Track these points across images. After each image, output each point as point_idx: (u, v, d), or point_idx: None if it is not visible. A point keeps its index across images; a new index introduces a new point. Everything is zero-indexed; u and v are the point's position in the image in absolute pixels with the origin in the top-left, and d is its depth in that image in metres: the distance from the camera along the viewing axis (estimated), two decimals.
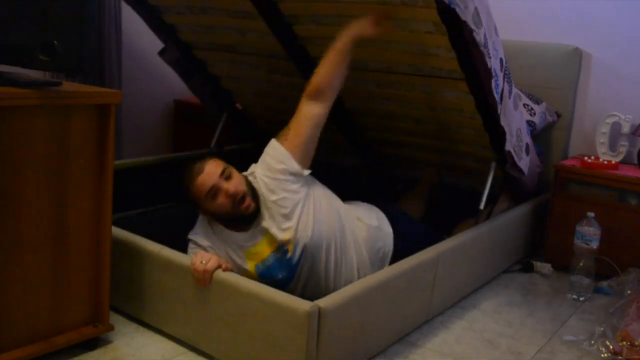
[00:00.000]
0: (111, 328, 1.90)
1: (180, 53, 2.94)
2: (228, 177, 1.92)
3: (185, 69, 3.06)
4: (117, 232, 2.03)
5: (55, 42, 1.58)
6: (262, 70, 2.82)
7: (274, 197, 1.94)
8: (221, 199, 1.90)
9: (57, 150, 1.68)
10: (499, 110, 2.22)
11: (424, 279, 2.10)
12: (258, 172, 2.01)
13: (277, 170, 1.97)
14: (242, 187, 1.92)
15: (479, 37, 1.94)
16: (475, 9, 1.91)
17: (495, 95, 2.16)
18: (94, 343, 1.88)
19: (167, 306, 1.95)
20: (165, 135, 3.91)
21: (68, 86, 1.76)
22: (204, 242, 1.98)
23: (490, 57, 2.04)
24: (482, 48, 1.97)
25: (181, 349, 1.92)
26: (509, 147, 2.40)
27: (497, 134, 2.34)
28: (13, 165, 1.60)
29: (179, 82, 3.57)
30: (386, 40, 2.22)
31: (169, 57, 3.02)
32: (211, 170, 1.91)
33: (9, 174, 1.60)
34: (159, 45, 3.00)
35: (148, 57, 3.54)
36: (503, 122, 2.29)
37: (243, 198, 1.90)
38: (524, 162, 2.59)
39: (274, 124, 3.29)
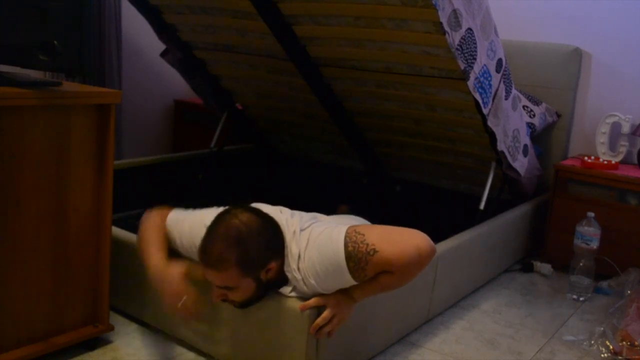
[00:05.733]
0: (111, 328, 1.90)
1: (181, 54, 2.94)
2: (230, 289, 1.63)
3: (188, 69, 3.06)
4: (117, 232, 2.02)
5: (55, 42, 1.58)
6: (262, 70, 2.82)
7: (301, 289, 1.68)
8: (214, 291, 1.67)
9: (57, 150, 1.68)
10: (485, 111, 2.23)
11: (424, 279, 2.10)
12: (307, 271, 1.62)
13: (331, 285, 1.65)
14: (245, 297, 1.65)
15: (450, 39, 1.97)
16: (454, 10, 1.94)
17: (478, 95, 2.17)
18: (94, 343, 1.88)
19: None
20: (165, 135, 3.91)
21: (68, 86, 1.76)
22: (181, 244, 1.80)
23: (466, 59, 2.06)
24: (452, 49, 2.01)
25: (181, 349, 1.92)
26: (501, 147, 2.41)
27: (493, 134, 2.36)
28: (13, 165, 1.60)
29: (179, 82, 3.58)
30: (386, 40, 2.22)
31: (170, 58, 3.03)
32: (214, 276, 1.62)
33: (9, 174, 1.60)
34: (159, 45, 3.00)
35: (148, 57, 3.55)
36: (491, 122, 2.30)
37: (242, 306, 1.69)
38: (520, 163, 2.60)
39: (274, 124, 3.31)
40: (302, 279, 1.62)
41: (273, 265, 1.62)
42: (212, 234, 1.59)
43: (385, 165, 3.11)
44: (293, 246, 1.64)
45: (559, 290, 2.60)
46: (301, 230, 1.66)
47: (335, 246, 1.57)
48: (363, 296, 1.67)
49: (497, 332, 2.19)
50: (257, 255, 1.59)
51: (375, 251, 1.54)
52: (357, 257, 1.55)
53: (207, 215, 1.71)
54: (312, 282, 1.61)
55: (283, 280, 1.67)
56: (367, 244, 1.55)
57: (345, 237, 1.57)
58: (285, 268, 1.64)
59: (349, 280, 1.59)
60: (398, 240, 1.57)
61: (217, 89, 3.16)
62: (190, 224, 1.78)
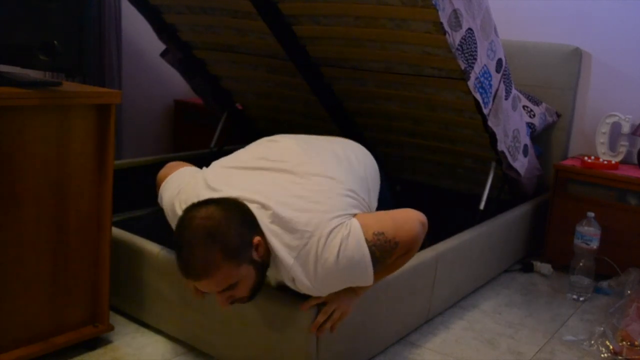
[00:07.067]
0: (111, 328, 1.90)
1: (181, 54, 2.94)
2: (232, 287, 1.50)
3: (188, 69, 3.06)
4: (117, 232, 2.03)
5: (55, 42, 1.58)
6: (262, 70, 2.82)
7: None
8: (218, 299, 1.53)
9: (57, 150, 1.68)
10: (485, 111, 2.24)
11: (424, 279, 2.10)
12: (302, 277, 1.51)
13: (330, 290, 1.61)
14: (251, 286, 1.52)
15: (450, 39, 1.98)
16: (454, 11, 1.94)
17: (479, 95, 2.17)
18: (94, 343, 1.88)
19: (167, 306, 1.95)
20: (165, 135, 3.91)
21: (68, 86, 1.76)
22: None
23: (466, 59, 2.06)
24: (453, 50, 2.00)
25: (181, 349, 1.92)
26: (501, 147, 2.42)
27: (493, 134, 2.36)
28: (13, 165, 1.60)
29: (179, 82, 3.58)
30: (386, 40, 2.22)
31: (170, 58, 3.03)
32: (208, 286, 1.48)
33: (9, 174, 1.60)
34: (159, 45, 3.00)
35: (148, 57, 3.55)
36: (491, 122, 2.30)
37: (250, 297, 1.57)
38: (520, 163, 2.60)
39: (274, 124, 3.31)
40: (293, 280, 1.53)
41: (258, 239, 1.48)
42: (182, 245, 1.45)
43: (385, 165, 3.11)
44: (275, 242, 1.49)
45: (559, 290, 2.60)
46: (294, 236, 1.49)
47: (363, 264, 1.50)
48: (365, 288, 1.67)
49: (497, 332, 2.19)
50: (238, 238, 1.46)
51: (397, 244, 1.55)
52: (383, 258, 1.54)
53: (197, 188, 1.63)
54: (308, 284, 1.52)
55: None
56: (389, 241, 1.54)
57: (370, 246, 1.50)
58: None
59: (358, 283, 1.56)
60: (407, 223, 1.59)
61: (217, 89, 3.16)
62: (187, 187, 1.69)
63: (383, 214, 1.64)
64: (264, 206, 1.50)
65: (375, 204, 1.80)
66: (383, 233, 1.53)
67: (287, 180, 1.58)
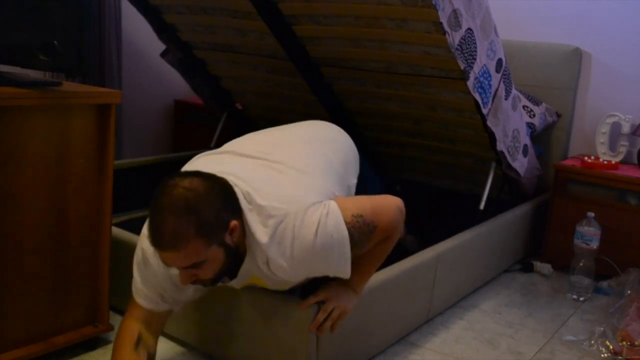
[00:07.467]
0: (111, 328, 1.90)
1: (181, 54, 2.94)
2: (198, 266, 1.41)
3: (188, 69, 3.06)
4: (117, 232, 2.02)
5: (55, 42, 1.58)
6: (262, 70, 2.82)
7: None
8: (180, 275, 1.45)
9: (57, 150, 1.68)
10: (484, 111, 2.24)
11: (424, 279, 2.10)
12: (277, 258, 1.46)
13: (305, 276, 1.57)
14: (216, 270, 1.44)
15: (450, 39, 1.98)
16: (454, 11, 1.94)
17: (478, 95, 2.17)
18: (94, 343, 1.88)
19: None
20: (165, 135, 3.91)
21: (68, 86, 1.76)
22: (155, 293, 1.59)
23: (466, 59, 2.07)
24: (452, 50, 2.01)
25: (181, 349, 1.92)
26: (501, 147, 2.42)
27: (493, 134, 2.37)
28: (13, 165, 1.60)
29: (179, 82, 3.58)
30: (386, 40, 2.22)
31: (170, 58, 3.03)
32: (175, 259, 1.39)
33: (9, 174, 1.60)
34: (159, 45, 3.00)
35: (148, 57, 3.55)
36: (490, 122, 2.30)
37: (214, 281, 1.48)
38: (519, 163, 2.60)
39: (274, 123, 3.30)
40: (269, 268, 1.48)
41: (235, 223, 1.41)
42: (157, 211, 1.36)
43: (385, 165, 3.11)
44: (258, 228, 1.44)
45: (559, 290, 2.60)
46: (270, 215, 1.44)
47: (341, 245, 1.47)
48: (362, 283, 1.67)
49: (497, 332, 2.19)
50: (215, 217, 1.38)
51: (375, 227, 1.55)
52: (361, 241, 1.53)
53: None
54: (284, 265, 1.46)
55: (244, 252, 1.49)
56: (368, 224, 1.53)
57: (349, 228, 1.48)
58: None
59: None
60: (386, 208, 1.60)
61: (217, 89, 3.16)
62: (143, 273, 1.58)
63: (361, 198, 1.64)
64: (243, 180, 1.46)
65: (354, 181, 1.79)
66: (361, 215, 1.52)
67: (265, 166, 1.56)
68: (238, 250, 1.46)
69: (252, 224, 1.44)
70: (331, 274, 1.55)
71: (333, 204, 1.50)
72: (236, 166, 1.55)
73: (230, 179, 1.47)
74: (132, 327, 1.60)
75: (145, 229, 1.52)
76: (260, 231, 1.44)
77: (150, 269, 1.56)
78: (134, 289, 1.61)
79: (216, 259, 1.41)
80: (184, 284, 1.44)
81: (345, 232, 1.48)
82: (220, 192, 1.42)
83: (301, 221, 1.43)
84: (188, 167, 1.63)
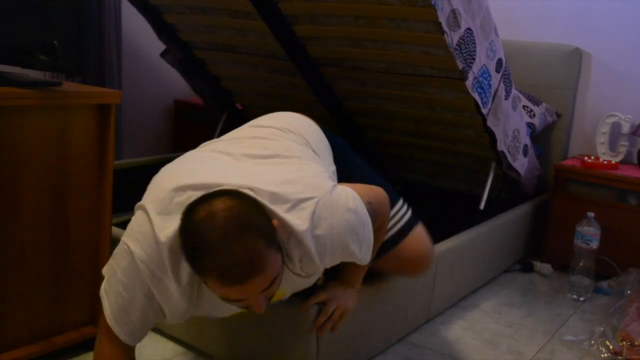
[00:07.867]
0: None
1: (181, 54, 2.94)
2: (274, 281, 1.27)
3: (188, 69, 3.06)
4: (117, 232, 2.02)
5: (55, 42, 1.58)
6: (262, 70, 2.82)
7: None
8: (239, 304, 1.30)
9: (57, 150, 1.68)
10: (484, 111, 2.24)
11: (424, 279, 2.10)
12: (314, 255, 1.36)
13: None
14: (277, 287, 1.31)
15: (449, 39, 1.98)
16: (453, 11, 1.95)
17: (477, 95, 2.17)
18: (94, 343, 1.88)
19: None
20: (165, 135, 3.91)
21: (68, 86, 1.76)
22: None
23: (465, 59, 2.07)
24: (451, 49, 2.01)
25: (181, 349, 1.92)
26: (501, 147, 2.42)
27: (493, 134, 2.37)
28: (13, 165, 1.60)
29: (179, 82, 3.58)
30: (386, 40, 2.22)
31: (170, 58, 3.03)
32: (257, 284, 1.22)
33: (9, 174, 1.60)
34: (159, 45, 3.00)
35: (148, 57, 3.55)
36: (490, 122, 2.31)
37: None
38: (520, 163, 2.60)
39: None
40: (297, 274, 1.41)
41: (275, 221, 1.29)
42: (213, 251, 1.18)
43: (385, 165, 3.11)
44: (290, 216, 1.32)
45: (559, 290, 2.61)
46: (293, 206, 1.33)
47: (368, 224, 1.46)
48: (359, 277, 1.66)
49: (497, 332, 2.19)
50: (267, 222, 1.26)
51: (377, 214, 1.54)
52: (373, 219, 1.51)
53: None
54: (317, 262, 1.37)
55: None
56: (374, 210, 1.52)
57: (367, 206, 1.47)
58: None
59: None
60: (382, 197, 1.60)
61: (217, 89, 3.16)
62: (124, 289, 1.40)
63: (361, 185, 1.57)
64: (253, 190, 1.31)
65: (333, 168, 1.69)
66: (371, 203, 1.51)
67: (267, 164, 1.45)
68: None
69: (286, 219, 1.31)
70: (357, 258, 1.48)
71: (348, 189, 1.46)
72: (245, 173, 1.40)
73: (246, 190, 1.31)
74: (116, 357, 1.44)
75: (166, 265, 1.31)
76: (295, 222, 1.31)
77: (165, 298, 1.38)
78: (113, 318, 1.43)
79: (281, 267, 1.28)
80: (262, 310, 1.29)
81: (367, 215, 1.45)
82: (247, 198, 1.28)
83: (331, 205, 1.37)
84: (190, 177, 1.43)
